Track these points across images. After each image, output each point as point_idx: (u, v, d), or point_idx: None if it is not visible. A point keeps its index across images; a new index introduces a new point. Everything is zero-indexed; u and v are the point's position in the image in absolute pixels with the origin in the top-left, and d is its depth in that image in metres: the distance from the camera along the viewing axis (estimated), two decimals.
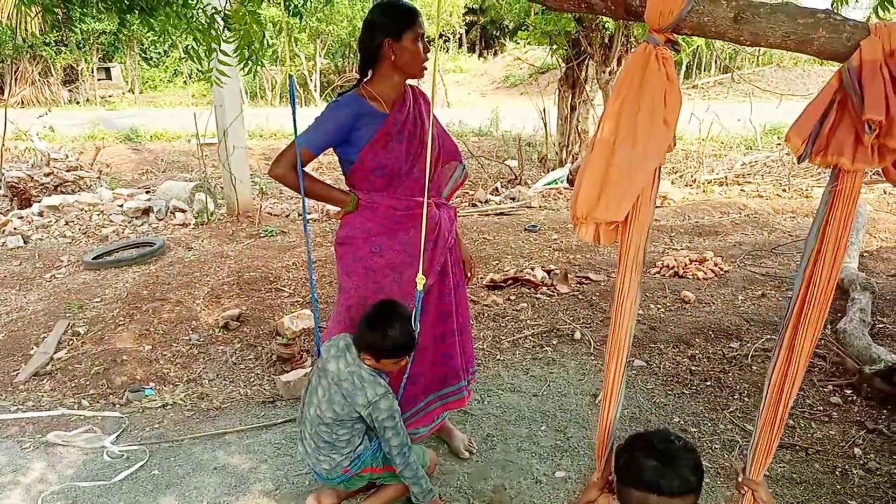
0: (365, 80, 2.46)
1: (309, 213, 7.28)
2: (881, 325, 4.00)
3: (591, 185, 1.68)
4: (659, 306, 4.48)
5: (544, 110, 9.33)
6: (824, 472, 2.75)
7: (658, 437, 1.56)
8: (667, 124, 1.77)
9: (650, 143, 1.68)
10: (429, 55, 2.44)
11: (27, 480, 2.80)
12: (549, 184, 8.55)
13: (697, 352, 3.82)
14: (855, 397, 3.30)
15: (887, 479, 2.70)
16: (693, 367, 3.65)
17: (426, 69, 2.46)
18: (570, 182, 8.46)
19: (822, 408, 3.23)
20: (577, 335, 4.07)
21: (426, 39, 2.48)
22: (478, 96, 19.97)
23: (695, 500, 1.52)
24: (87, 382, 3.67)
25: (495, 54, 24.20)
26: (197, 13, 3.40)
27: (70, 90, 20.19)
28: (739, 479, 1.67)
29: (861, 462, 2.81)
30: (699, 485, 1.52)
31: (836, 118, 1.57)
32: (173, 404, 3.47)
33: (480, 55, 25.91)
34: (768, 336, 3.92)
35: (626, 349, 1.69)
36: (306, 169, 2.41)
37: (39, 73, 19.53)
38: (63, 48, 20.05)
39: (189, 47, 3.47)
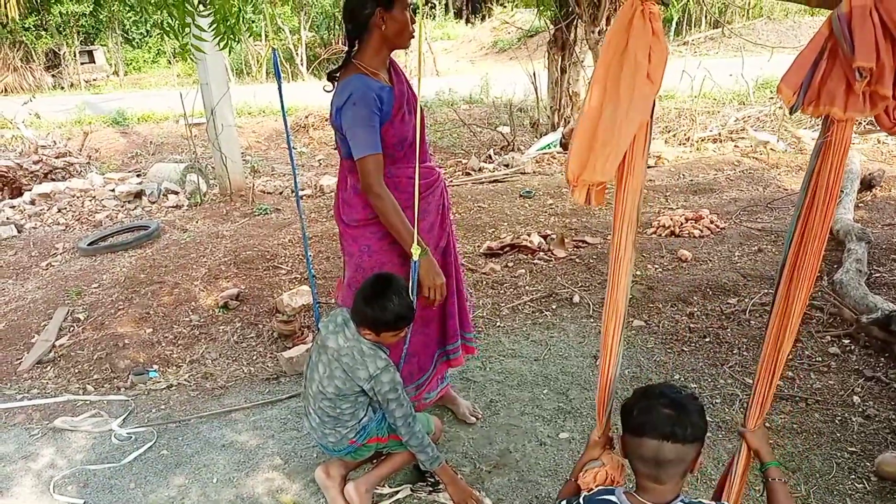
0: (353, 53, 2.40)
1: (302, 190, 7.25)
2: (877, 275, 4.02)
3: (581, 147, 1.71)
4: (656, 266, 4.50)
5: (534, 74, 9.22)
6: (824, 422, 2.79)
7: (666, 388, 1.62)
8: (651, 79, 1.76)
9: (634, 99, 1.68)
10: (415, 25, 2.38)
11: (37, 466, 2.83)
12: (542, 149, 8.49)
13: (696, 309, 3.84)
14: (853, 347, 3.34)
15: (886, 424, 2.74)
16: (692, 325, 3.67)
17: (413, 38, 2.41)
18: (564, 146, 8.41)
19: (820, 358, 3.27)
20: (576, 298, 4.09)
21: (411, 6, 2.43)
22: (467, 63, 19.74)
23: (699, 451, 1.58)
24: (91, 368, 3.69)
25: (483, 19, 23.85)
26: None
27: (53, 75, 19.89)
28: (739, 429, 1.75)
29: (860, 410, 2.85)
30: (705, 432, 1.58)
31: (828, 67, 1.55)
32: (178, 385, 3.49)
33: (468, 21, 25.54)
34: (766, 290, 3.94)
35: (624, 308, 1.73)
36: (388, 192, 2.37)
37: (21, 60, 19.23)
38: (43, 33, 19.73)
39: (164, 22, 3.42)
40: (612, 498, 1.61)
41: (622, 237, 1.71)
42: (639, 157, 1.71)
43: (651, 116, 1.76)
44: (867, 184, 5.66)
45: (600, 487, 1.70)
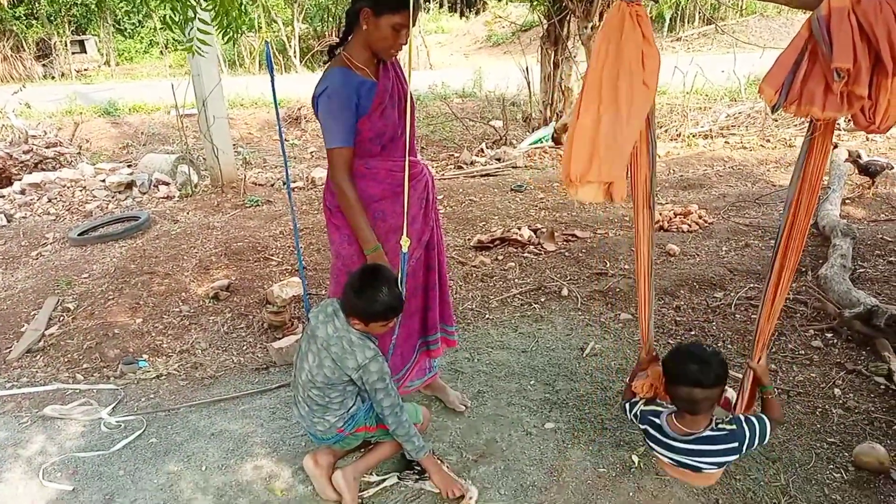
0: (345, 46, 2.42)
1: (294, 182, 7.26)
2: (861, 270, 4.08)
3: (581, 150, 1.85)
4: None
5: (527, 69, 9.25)
6: (805, 413, 2.84)
7: (694, 347, 2.07)
8: (646, 86, 1.84)
9: (633, 108, 1.83)
10: (404, 46, 2.35)
11: (28, 453, 2.85)
12: (534, 143, 8.53)
13: (682, 303, 3.89)
14: (835, 340, 3.39)
15: (865, 416, 2.79)
16: (678, 318, 3.72)
17: (395, 55, 2.41)
18: (556, 141, 8.45)
19: (803, 352, 3.32)
20: (565, 292, 4.13)
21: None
22: (460, 57, 19.74)
23: (724, 388, 2.07)
24: (81, 357, 3.70)
25: (477, 13, 23.84)
26: None
27: (44, 65, 19.76)
28: (746, 362, 2.17)
29: (840, 402, 2.91)
30: (726, 377, 2.02)
31: (808, 68, 1.59)
32: (167, 375, 3.51)
33: (462, 14, 25.52)
34: (752, 285, 3.99)
35: (651, 270, 2.19)
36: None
37: (11, 49, 19.09)
38: (34, 21, 19.58)
39: (167, 17, 3.42)
40: (658, 420, 2.13)
41: (641, 213, 2.10)
42: (643, 152, 1.99)
43: (651, 114, 1.93)
44: (864, 169, 5.58)
45: (651, 408, 2.18)
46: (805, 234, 1.92)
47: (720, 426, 2.05)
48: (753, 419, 2.06)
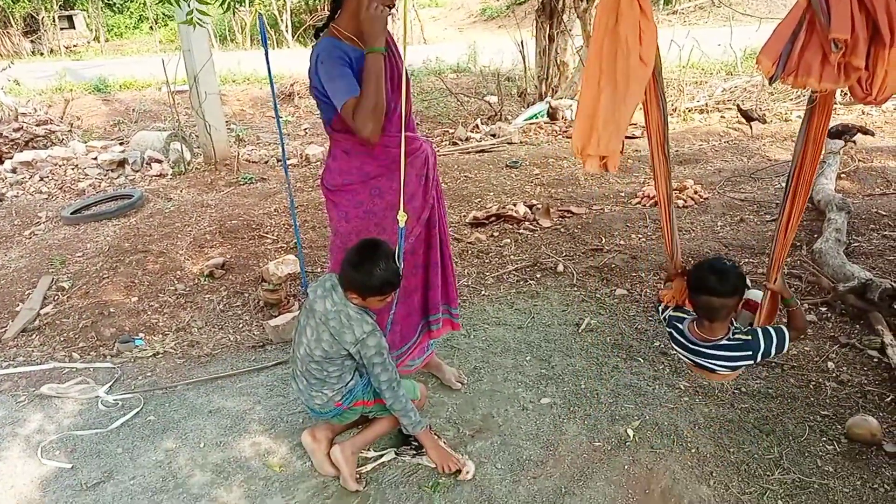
0: (335, 19, 2.39)
1: (288, 159, 7.21)
2: (856, 244, 4.09)
3: (583, 124, 1.92)
4: (640, 235, 4.54)
5: (522, 43, 9.15)
6: (798, 386, 2.87)
7: (715, 260, 2.25)
8: (643, 61, 1.84)
9: (630, 84, 1.84)
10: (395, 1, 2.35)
11: (25, 432, 2.86)
12: (529, 119, 8.47)
13: None
14: (829, 314, 3.41)
15: (858, 389, 2.82)
16: None
17: (390, 5, 2.39)
18: (551, 116, 8.39)
19: None
20: (560, 268, 4.13)
21: None
22: (455, 31, 19.53)
23: (741, 299, 2.26)
24: (76, 336, 3.70)
25: None
26: None
27: (32, 41, 19.47)
28: (764, 283, 2.30)
29: (834, 375, 2.93)
30: (743, 289, 2.22)
31: (806, 38, 1.58)
32: (164, 353, 3.51)
33: None
34: (746, 259, 4.00)
35: (670, 199, 2.31)
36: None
37: None
38: None
39: None
40: (681, 326, 2.35)
41: (657, 159, 2.22)
42: (654, 105, 2.11)
43: (655, 76, 2.00)
44: (835, 133, 5.52)
45: (677, 314, 2.39)
46: (808, 189, 2.05)
47: (736, 336, 2.24)
48: (771, 330, 2.22)
